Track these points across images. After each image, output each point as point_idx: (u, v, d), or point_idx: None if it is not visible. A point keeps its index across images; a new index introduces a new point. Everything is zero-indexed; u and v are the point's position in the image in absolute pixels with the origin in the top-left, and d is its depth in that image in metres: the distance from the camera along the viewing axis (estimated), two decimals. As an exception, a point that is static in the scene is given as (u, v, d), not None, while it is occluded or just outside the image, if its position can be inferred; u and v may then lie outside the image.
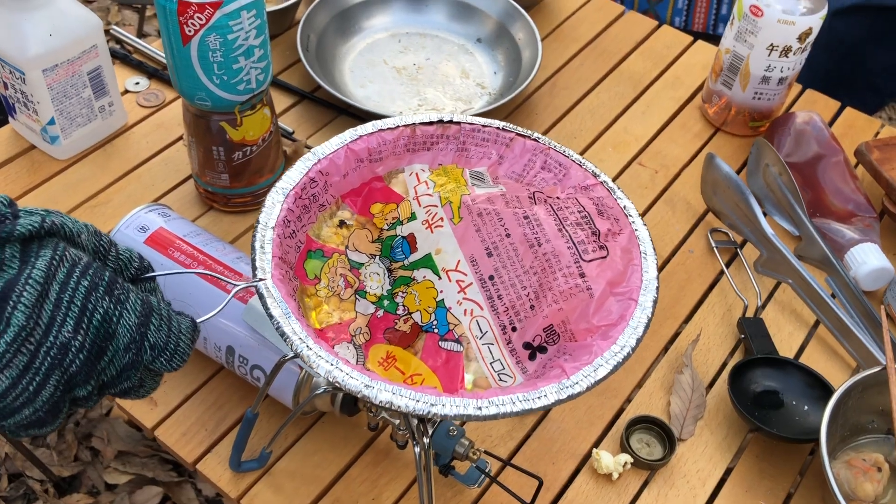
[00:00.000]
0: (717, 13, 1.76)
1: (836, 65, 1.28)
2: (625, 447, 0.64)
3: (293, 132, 0.84)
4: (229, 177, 0.73)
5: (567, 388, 0.42)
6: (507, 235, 0.48)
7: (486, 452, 0.59)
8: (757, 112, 0.86)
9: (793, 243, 0.78)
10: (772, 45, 0.80)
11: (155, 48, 0.91)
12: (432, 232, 0.50)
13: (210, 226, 0.76)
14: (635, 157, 0.86)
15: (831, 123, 0.91)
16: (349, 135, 0.53)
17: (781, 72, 0.82)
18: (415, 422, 0.54)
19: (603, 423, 0.66)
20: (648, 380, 0.69)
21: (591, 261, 0.48)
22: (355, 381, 0.41)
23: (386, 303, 0.49)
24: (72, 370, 0.38)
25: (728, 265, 0.77)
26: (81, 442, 1.17)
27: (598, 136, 0.88)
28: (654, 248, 0.49)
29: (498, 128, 0.54)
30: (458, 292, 0.48)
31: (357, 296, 0.49)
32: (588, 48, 0.97)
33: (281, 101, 0.87)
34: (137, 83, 0.88)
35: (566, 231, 0.48)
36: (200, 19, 0.61)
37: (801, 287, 0.73)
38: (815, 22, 0.79)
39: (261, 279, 0.44)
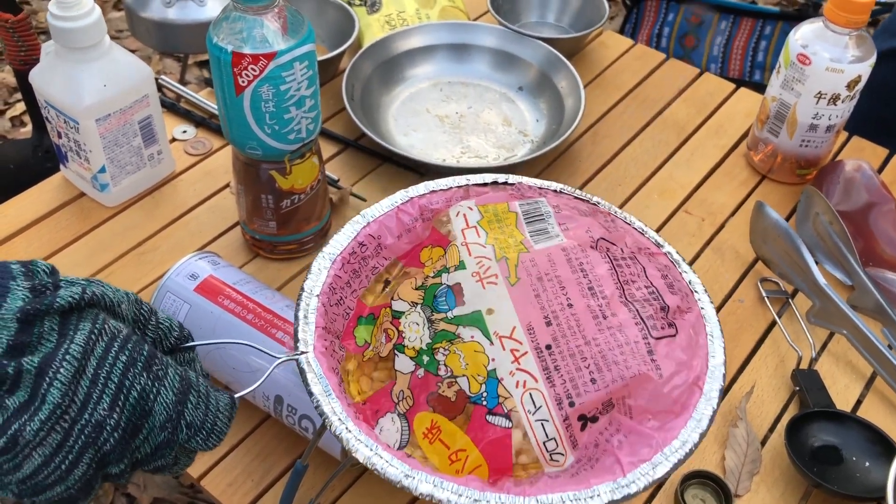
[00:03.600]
0: (752, 60, 1.76)
1: (880, 109, 1.27)
2: (679, 503, 0.62)
3: (338, 180, 0.84)
4: (277, 224, 0.74)
5: (623, 487, 0.40)
6: (570, 305, 0.45)
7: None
8: (804, 160, 0.85)
9: (846, 293, 0.77)
10: (820, 93, 0.79)
11: (202, 97, 0.93)
12: (484, 287, 0.46)
13: (256, 273, 0.76)
14: (681, 205, 0.85)
15: (880, 171, 0.89)
16: (400, 197, 0.52)
17: (829, 119, 0.81)
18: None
19: (655, 478, 0.64)
20: (701, 433, 0.67)
21: (659, 338, 0.44)
22: (395, 469, 0.40)
23: (426, 359, 0.45)
24: (106, 448, 0.37)
25: (780, 315, 0.75)
26: (118, 488, 1.16)
27: (642, 184, 0.87)
28: (722, 332, 0.46)
29: (555, 191, 0.52)
30: (512, 362, 0.43)
31: (395, 351, 0.46)
32: (630, 96, 0.97)
33: (326, 148, 0.88)
34: (185, 131, 0.89)
35: (633, 306, 0.45)
36: (254, 70, 0.62)
37: (856, 338, 0.71)
38: (865, 70, 0.78)
39: (302, 352, 0.43)
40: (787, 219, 0.84)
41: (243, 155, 0.69)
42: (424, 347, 0.45)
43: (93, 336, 0.37)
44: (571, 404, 0.42)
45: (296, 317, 0.45)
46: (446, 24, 0.97)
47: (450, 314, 0.45)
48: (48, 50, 0.75)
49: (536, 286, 0.45)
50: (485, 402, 0.43)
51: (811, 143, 0.84)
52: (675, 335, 0.45)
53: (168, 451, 0.39)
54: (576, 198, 0.51)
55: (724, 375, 0.44)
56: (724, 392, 0.69)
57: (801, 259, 0.74)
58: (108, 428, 0.37)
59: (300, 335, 0.44)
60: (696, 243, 0.82)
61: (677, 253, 0.50)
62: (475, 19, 1.05)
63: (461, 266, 0.47)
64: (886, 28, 1.24)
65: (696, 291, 0.48)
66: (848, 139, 0.93)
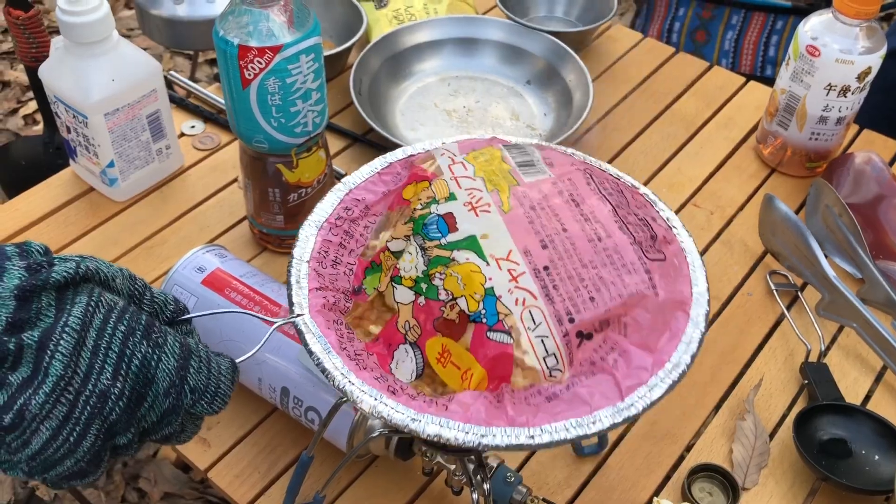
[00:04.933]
0: (764, 55, 1.75)
1: (892, 105, 1.26)
2: (686, 496, 0.62)
3: (346, 174, 0.84)
4: (284, 218, 0.74)
5: (623, 410, 0.40)
6: (564, 230, 0.45)
7: (543, 500, 0.58)
8: (814, 152, 0.85)
9: (855, 286, 0.76)
10: (829, 84, 0.79)
11: (210, 92, 0.93)
12: (477, 215, 0.45)
13: (263, 266, 0.76)
14: (690, 198, 0.85)
15: (891, 163, 0.89)
16: (379, 163, 0.52)
17: (839, 112, 0.81)
18: (471, 466, 0.53)
19: (663, 471, 0.64)
20: (709, 426, 0.67)
21: (653, 261, 0.45)
22: (401, 414, 0.40)
23: (424, 286, 0.44)
24: (112, 418, 0.38)
25: (789, 308, 0.75)
26: (129, 483, 1.17)
27: (651, 177, 0.87)
28: (703, 263, 0.47)
29: (535, 145, 0.52)
30: (510, 280, 0.43)
31: (393, 283, 0.45)
32: (639, 89, 0.97)
33: (334, 143, 0.88)
34: (193, 126, 0.89)
35: (628, 229, 0.46)
36: (260, 63, 0.62)
37: (865, 331, 0.71)
38: (875, 61, 0.77)
39: (298, 315, 0.44)
40: (797, 212, 0.84)
41: (250, 149, 0.69)
42: (421, 275, 0.45)
43: (90, 308, 0.38)
44: (571, 320, 0.42)
45: (288, 283, 0.45)
46: (454, 19, 0.97)
47: (443, 241, 0.45)
48: (58, 45, 0.75)
49: (530, 214, 0.45)
50: (484, 320, 0.43)
51: (821, 136, 0.83)
52: (664, 260, 0.45)
53: (174, 417, 0.39)
54: (552, 149, 0.52)
55: (709, 301, 0.45)
56: (732, 384, 0.69)
57: (811, 252, 0.73)
58: (112, 397, 0.37)
59: (294, 298, 0.44)
60: (706, 236, 0.81)
61: (653, 193, 0.51)
62: (483, 13, 1.04)
63: (451, 197, 0.47)
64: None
65: (674, 227, 0.49)
66: (859, 132, 0.92)
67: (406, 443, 0.59)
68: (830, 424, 0.65)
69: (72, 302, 0.38)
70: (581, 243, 0.44)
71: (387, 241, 0.47)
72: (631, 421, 0.40)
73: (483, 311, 0.43)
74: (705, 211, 0.84)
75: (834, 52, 0.77)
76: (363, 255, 0.48)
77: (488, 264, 0.44)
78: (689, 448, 0.66)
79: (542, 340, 0.42)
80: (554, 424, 0.40)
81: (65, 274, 0.38)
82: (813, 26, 0.79)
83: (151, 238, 0.79)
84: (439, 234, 0.45)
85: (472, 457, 0.52)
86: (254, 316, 0.45)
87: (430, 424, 0.40)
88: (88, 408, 0.37)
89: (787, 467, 0.64)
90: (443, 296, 0.43)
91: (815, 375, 0.68)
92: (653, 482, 0.63)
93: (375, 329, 0.45)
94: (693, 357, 0.43)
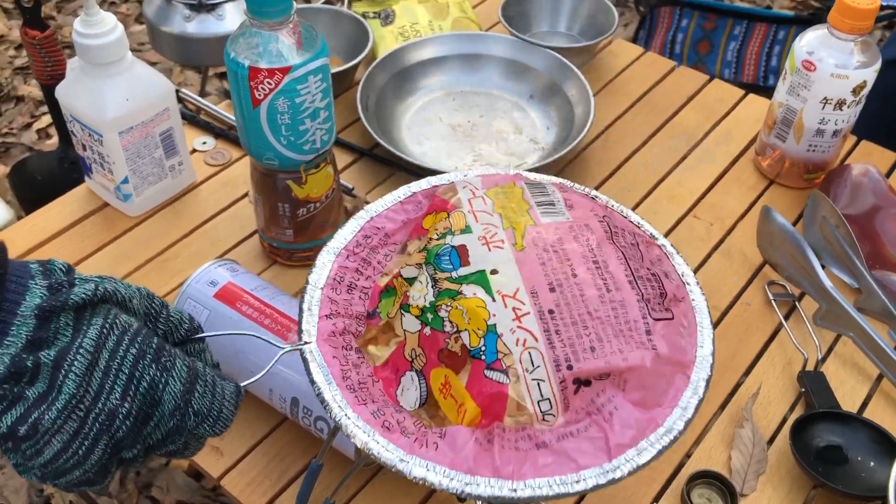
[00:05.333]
0: (766, 64, 1.77)
1: (891, 113, 1.27)
2: (686, 502, 0.63)
3: (353, 188, 0.87)
4: (293, 232, 0.76)
5: (608, 472, 0.41)
6: (574, 275, 0.45)
7: (546, 506, 0.60)
8: (812, 164, 0.86)
9: (852, 296, 0.78)
10: (825, 98, 0.80)
11: (221, 108, 0.95)
12: (490, 250, 0.46)
13: (274, 279, 0.78)
14: (690, 210, 0.87)
15: (888, 175, 0.90)
16: (403, 192, 0.53)
17: (836, 124, 0.82)
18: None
19: (663, 479, 0.66)
20: (708, 434, 0.68)
21: (658, 320, 0.45)
22: (390, 454, 0.41)
23: (430, 317, 0.45)
24: (119, 435, 0.40)
25: (787, 318, 0.76)
26: (142, 491, 1.19)
27: (651, 189, 0.89)
28: (712, 322, 0.47)
29: (554, 184, 0.54)
30: (513, 319, 0.43)
31: (402, 311, 0.46)
32: (640, 103, 0.98)
33: (341, 158, 0.90)
34: (205, 143, 0.92)
35: (637, 284, 0.46)
36: (270, 84, 0.64)
37: (862, 340, 0.72)
38: (870, 75, 0.79)
39: (305, 342, 0.45)
40: (796, 223, 0.85)
41: (261, 165, 0.71)
42: (428, 305, 0.45)
43: (104, 330, 0.40)
44: (570, 367, 0.43)
45: (300, 309, 0.47)
46: (458, 35, 0.99)
47: (454, 274, 0.46)
48: (73, 66, 0.77)
49: (542, 255, 0.46)
50: (483, 357, 0.43)
51: (818, 148, 0.85)
52: (671, 319, 0.45)
53: (178, 437, 0.42)
54: (574, 190, 0.53)
55: (712, 366, 0.45)
56: (731, 393, 0.71)
57: (808, 262, 0.75)
58: (120, 416, 0.39)
59: (304, 325, 0.46)
60: (705, 247, 0.83)
61: (671, 245, 0.51)
62: (487, 30, 1.07)
63: (467, 230, 0.47)
64: (898, 33, 1.25)
65: (688, 283, 0.49)
66: (857, 143, 0.94)
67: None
68: (827, 432, 0.66)
69: (88, 323, 0.40)
70: (589, 291, 0.44)
71: (401, 268, 0.48)
72: (614, 483, 0.40)
73: (483, 348, 0.43)
74: (705, 222, 0.85)
75: (829, 66, 0.79)
76: (380, 280, 0.49)
77: (494, 300, 0.44)
78: (688, 455, 0.67)
79: (539, 384, 0.42)
80: (538, 480, 0.40)
81: (83, 296, 0.40)
82: (809, 41, 0.81)
83: (165, 252, 0.81)
84: (451, 267, 0.46)
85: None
86: (264, 339, 0.47)
87: (416, 467, 0.41)
88: (97, 425, 0.39)
89: (785, 474, 0.66)
90: (447, 328, 0.44)
91: (813, 384, 0.70)
92: (653, 489, 0.65)
93: (385, 353, 0.46)
94: (687, 423, 0.43)
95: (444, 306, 0.45)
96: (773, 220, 0.78)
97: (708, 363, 0.45)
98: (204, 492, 1.18)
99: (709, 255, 0.82)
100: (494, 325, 0.43)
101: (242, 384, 0.45)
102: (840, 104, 0.81)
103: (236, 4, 1.17)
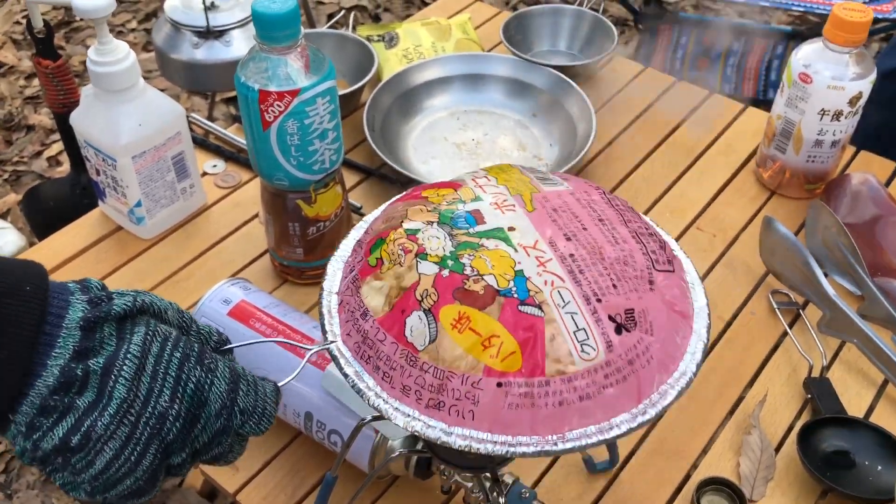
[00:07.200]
0: (766, 79, 1.79)
1: (889, 121, 1.29)
2: (696, 509, 0.64)
3: (361, 207, 0.88)
4: (303, 251, 0.77)
5: (636, 416, 0.43)
6: (584, 229, 0.47)
7: (558, 514, 0.61)
8: (812, 175, 0.88)
9: (855, 303, 0.79)
10: (823, 110, 0.82)
11: (230, 132, 0.97)
12: (503, 213, 0.48)
13: (285, 297, 0.80)
14: (693, 222, 0.88)
15: (887, 184, 0.92)
16: (399, 195, 0.55)
17: (834, 135, 0.84)
18: (488, 484, 0.56)
19: (672, 486, 0.66)
20: (716, 441, 0.69)
21: (661, 271, 0.47)
22: (433, 429, 0.43)
23: (451, 263, 0.46)
24: (169, 438, 0.41)
25: (791, 326, 0.77)
26: (156, 512, 1.20)
27: (654, 203, 0.90)
28: (701, 280, 0.50)
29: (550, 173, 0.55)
30: (538, 266, 0.45)
31: (418, 259, 0.46)
32: (641, 119, 1.00)
33: (349, 178, 0.92)
34: (215, 166, 0.93)
35: (641, 240, 0.48)
36: (280, 106, 0.66)
37: (866, 346, 0.73)
38: (865, 86, 0.81)
39: (331, 342, 0.47)
40: (798, 232, 0.86)
41: (271, 186, 0.73)
42: (448, 254, 0.46)
43: (148, 337, 0.41)
44: (599, 300, 0.45)
45: (321, 313, 0.49)
46: (461, 56, 1.01)
47: (472, 230, 0.47)
48: (87, 93, 0.79)
49: (552, 214, 0.48)
50: (516, 295, 0.44)
51: (817, 159, 0.86)
52: (672, 272, 0.48)
53: (224, 437, 0.43)
54: (566, 175, 0.55)
55: (710, 315, 0.48)
56: (738, 401, 0.72)
57: (810, 271, 0.76)
58: (170, 418, 0.41)
59: (327, 327, 0.48)
60: (709, 258, 0.84)
61: (651, 221, 0.54)
62: (489, 50, 1.09)
63: (477, 199, 0.49)
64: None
65: (673, 249, 0.52)
66: (856, 153, 0.95)
67: (425, 462, 0.62)
68: (834, 437, 0.67)
69: (131, 332, 0.41)
70: (601, 240, 0.47)
71: (402, 222, 0.48)
72: (643, 426, 0.43)
73: (514, 288, 0.44)
74: (708, 234, 0.87)
75: (825, 78, 0.80)
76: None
77: (517, 251, 0.46)
78: (695, 466, 0.68)
79: (573, 316, 0.44)
80: (575, 432, 0.43)
81: (124, 306, 0.41)
82: (805, 54, 0.83)
83: (178, 273, 0.83)
84: (467, 226, 0.47)
85: (488, 474, 0.55)
86: (291, 343, 0.49)
87: (460, 438, 0.43)
88: (148, 428, 0.40)
89: (793, 479, 0.66)
90: (468, 271, 0.45)
91: (818, 390, 0.71)
92: (663, 496, 0.66)
93: (381, 291, 0.46)
94: (698, 366, 0.46)
95: (466, 255, 0.46)
96: (775, 230, 0.79)
97: (705, 313, 0.48)
98: (217, 512, 1.19)
99: (712, 266, 0.84)
100: (521, 269, 0.45)
101: (280, 383, 0.46)
102: (837, 115, 0.82)
103: (243, 31, 1.20)
